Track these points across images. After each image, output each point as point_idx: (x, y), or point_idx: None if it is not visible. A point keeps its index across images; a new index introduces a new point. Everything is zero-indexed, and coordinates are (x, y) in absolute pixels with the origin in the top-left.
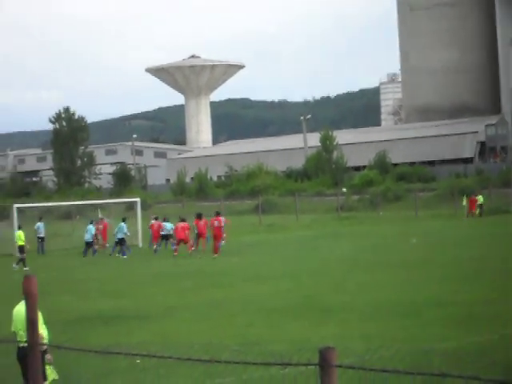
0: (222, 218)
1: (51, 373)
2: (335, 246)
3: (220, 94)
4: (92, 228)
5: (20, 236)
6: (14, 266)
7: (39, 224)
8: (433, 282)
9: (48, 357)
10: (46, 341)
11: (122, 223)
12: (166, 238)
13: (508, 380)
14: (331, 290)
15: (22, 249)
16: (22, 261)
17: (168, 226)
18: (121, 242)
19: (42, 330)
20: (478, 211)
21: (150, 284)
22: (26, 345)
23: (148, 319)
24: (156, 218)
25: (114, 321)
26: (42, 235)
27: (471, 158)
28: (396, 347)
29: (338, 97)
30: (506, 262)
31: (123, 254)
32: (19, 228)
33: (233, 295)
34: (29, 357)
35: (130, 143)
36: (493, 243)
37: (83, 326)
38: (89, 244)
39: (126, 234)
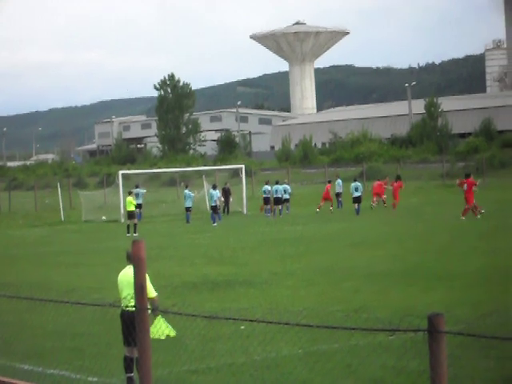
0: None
1: (168, 330)
2: (441, 213)
3: (324, 60)
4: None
5: (131, 202)
6: (127, 234)
7: (138, 190)
8: None
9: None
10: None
11: (213, 190)
12: (278, 202)
13: None
14: (438, 256)
15: (132, 214)
16: (135, 226)
17: (281, 189)
18: (213, 209)
19: (153, 294)
20: None
21: (255, 251)
22: (132, 309)
23: (253, 285)
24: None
25: (219, 287)
26: (139, 202)
27: None
28: (505, 313)
29: (443, 63)
30: None
31: (213, 222)
32: (129, 194)
33: (338, 261)
34: (137, 322)
35: (234, 110)
36: None
37: (189, 291)
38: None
39: (215, 201)
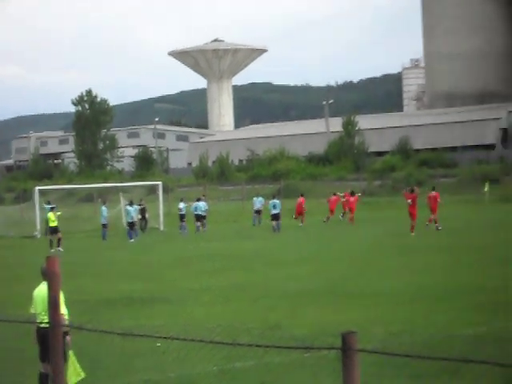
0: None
1: (76, 372)
2: (357, 231)
3: (242, 77)
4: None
5: (51, 217)
6: (51, 250)
7: (48, 206)
8: (458, 267)
9: (68, 339)
10: (66, 321)
11: (130, 207)
12: (199, 219)
13: None
14: (354, 274)
15: (54, 229)
16: (59, 241)
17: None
18: (130, 225)
19: (64, 311)
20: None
21: (172, 267)
22: (47, 326)
23: (169, 302)
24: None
25: (136, 303)
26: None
27: (493, 145)
28: (418, 332)
29: (361, 82)
30: None
31: (130, 238)
32: (51, 210)
33: (255, 279)
34: (50, 337)
35: (152, 126)
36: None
37: (105, 308)
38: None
39: (132, 217)
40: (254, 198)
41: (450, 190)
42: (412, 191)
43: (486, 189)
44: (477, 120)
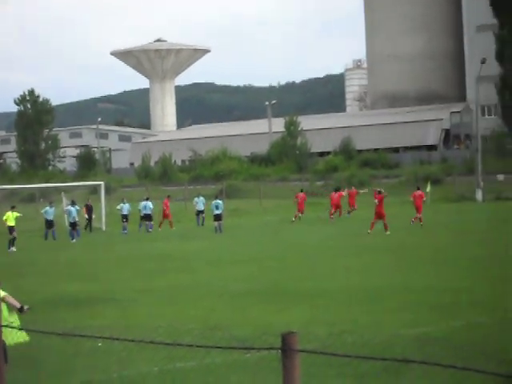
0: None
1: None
2: (299, 232)
3: (185, 78)
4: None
5: (9, 217)
6: (13, 249)
7: None
8: (402, 267)
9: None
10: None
11: (71, 207)
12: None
13: (470, 366)
14: (296, 275)
15: (10, 229)
16: (13, 240)
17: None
18: (72, 225)
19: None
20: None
21: (115, 267)
22: None
23: (112, 302)
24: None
25: (79, 304)
26: None
27: (435, 146)
28: (360, 332)
29: (304, 82)
30: (474, 250)
31: (72, 238)
32: (12, 208)
33: (197, 279)
34: None
35: (94, 126)
36: (458, 230)
37: (48, 308)
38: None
39: (74, 217)
40: (196, 199)
41: (393, 191)
42: (380, 192)
43: (428, 189)
44: (419, 121)
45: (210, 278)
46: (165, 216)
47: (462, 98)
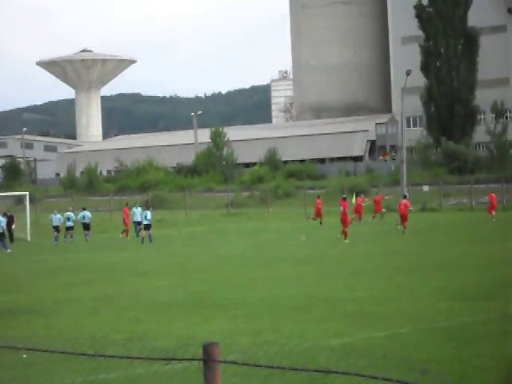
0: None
1: None
2: (225, 242)
3: (111, 88)
4: (3, 220)
5: None
6: None
7: None
8: (326, 278)
9: None
10: None
11: (1, 218)
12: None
13: (391, 376)
14: (221, 285)
15: None
16: None
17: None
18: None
19: None
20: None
21: (38, 278)
22: None
23: (35, 313)
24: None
25: (1, 315)
26: None
27: (361, 157)
28: (283, 343)
29: (230, 93)
30: (401, 260)
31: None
32: None
33: (122, 290)
34: None
35: (19, 136)
36: (386, 240)
37: None
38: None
39: (2, 227)
40: (134, 209)
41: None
42: (345, 199)
43: (353, 200)
44: (345, 132)
45: (135, 288)
46: (127, 224)
47: (387, 109)
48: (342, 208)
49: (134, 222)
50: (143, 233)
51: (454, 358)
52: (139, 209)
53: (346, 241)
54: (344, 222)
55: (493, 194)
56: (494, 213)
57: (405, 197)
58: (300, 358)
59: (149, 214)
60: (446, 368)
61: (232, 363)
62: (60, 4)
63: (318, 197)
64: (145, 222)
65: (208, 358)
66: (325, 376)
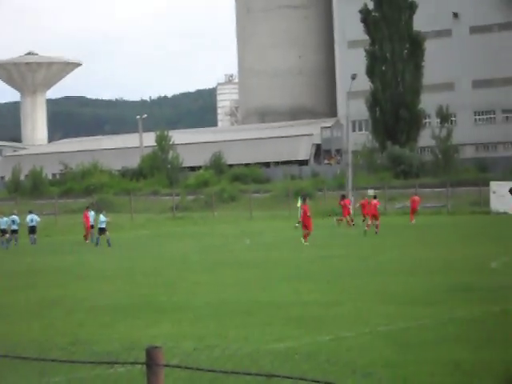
0: None
1: None
2: (170, 246)
3: (57, 91)
4: None
5: None
6: None
7: None
8: (270, 282)
9: None
10: None
11: None
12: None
13: (334, 380)
14: (166, 289)
15: None
16: None
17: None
18: None
19: None
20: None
21: None
22: None
23: None
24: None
25: None
26: None
27: (306, 161)
28: (226, 346)
29: (175, 97)
30: (345, 264)
31: None
32: None
33: (66, 294)
34: None
35: None
36: (334, 244)
37: None
38: None
39: None
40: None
41: (264, 206)
42: (304, 202)
43: (298, 204)
44: (290, 136)
45: (79, 292)
46: (88, 228)
47: (333, 113)
48: (302, 211)
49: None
50: (100, 237)
51: (398, 361)
52: (92, 212)
53: (306, 243)
54: (307, 224)
55: (415, 198)
56: (413, 216)
57: (375, 197)
58: (243, 362)
59: (102, 217)
60: (389, 372)
61: (175, 367)
62: (4, 6)
63: (344, 196)
64: (101, 226)
65: (151, 361)
66: (268, 380)
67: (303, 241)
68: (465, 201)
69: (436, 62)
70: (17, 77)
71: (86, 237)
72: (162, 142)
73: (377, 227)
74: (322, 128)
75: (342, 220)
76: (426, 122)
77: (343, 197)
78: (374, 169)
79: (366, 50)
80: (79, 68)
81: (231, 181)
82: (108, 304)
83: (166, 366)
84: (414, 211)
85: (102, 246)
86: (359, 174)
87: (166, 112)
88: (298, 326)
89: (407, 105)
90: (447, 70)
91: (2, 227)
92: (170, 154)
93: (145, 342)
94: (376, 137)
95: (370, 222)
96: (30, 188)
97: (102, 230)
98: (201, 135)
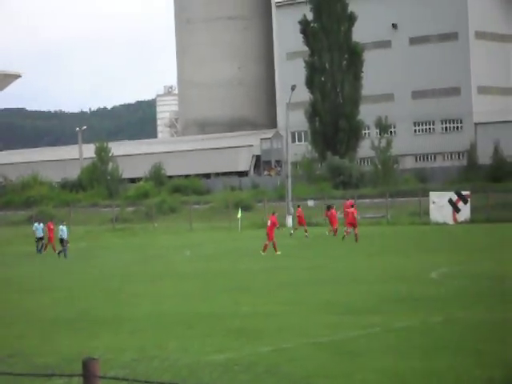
0: None
1: None
2: (110, 258)
3: None
4: None
5: None
6: None
7: None
8: (210, 293)
9: None
10: None
11: None
12: None
13: None
14: (105, 301)
15: None
16: None
17: None
18: None
19: None
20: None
21: None
22: None
23: None
24: None
25: None
26: None
27: (246, 172)
28: (165, 358)
29: (115, 108)
30: (286, 275)
31: None
32: None
33: (6, 306)
34: None
35: None
36: (272, 256)
37: None
38: None
39: None
40: (36, 225)
41: (204, 217)
42: (273, 213)
43: (238, 215)
44: (230, 147)
45: (19, 305)
46: (51, 239)
47: (272, 124)
48: (269, 222)
49: (37, 237)
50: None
51: (338, 372)
52: (41, 225)
53: (264, 253)
54: (269, 235)
55: (299, 209)
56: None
57: (352, 206)
58: (181, 373)
59: (63, 228)
60: (330, 382)
61: (111, 378)
62: None
63: (298, 206)
64: (62, 237)
65: (88, 373)
66: None
67: (272, 251)
68: (404, 211)
69: (375, 73)
70: None
71: (54, 248)
72: (102, 153)
73: (355, 236)
74: (262, 139)
75: (334, 230)
76: (365, 133)
77: (329, 207)
78: (314, 179)
79: (305, 61)
80: (19, 80)
81: (171, 192)
82: (48, 316)
83: (103, 377)
84: (301, 222)
85: (51, 256)
86: (299, 185)
87: (106, 123)
88: (238, 337)
89: (346, 116)
90: (386, 80)
91: None
92: (110, 166)
93: (85, 354)
94: (315, 147)
95: (349, 230)
96: None
97: (62, 241)
98: (141, 147)
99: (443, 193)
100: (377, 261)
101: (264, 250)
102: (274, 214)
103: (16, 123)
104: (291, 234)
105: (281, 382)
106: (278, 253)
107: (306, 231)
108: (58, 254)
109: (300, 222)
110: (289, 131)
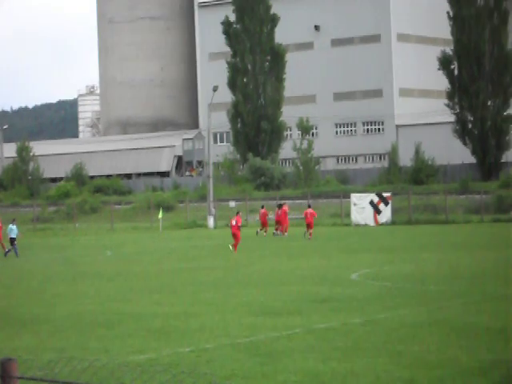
0: None
1: None
2: (30, 258)
3: None
4: None
5: None
6: None
7: None
8: (131, 294)
9: None
10: None
11: None
12: None
13: None
14: (26, 301)
15: None
16: None
17: None
18: None
19: None
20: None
21: None
22: None
23: None
24: None
25: None
26: None
27: (168, 172)
28: (85, 358)
29: (37, 107)
30: (208, 275)
31: None
32: None
33: None
34: None
35: None
36: (195, 256)
37: None
38: None
39: None
40: (11, 226)
41: (125, 217)
42: (237, 213)
43: (160, 216)
44: (151, 147)
45: None
46: None
47: (195, 124)
48: (234, 222)
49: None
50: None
51: (258, 373)
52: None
53: (235, 252)
54: (235, 235)
55: (263, 210)
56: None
57: (309, 206)
58: (100, 374)
59: (13, 227)
60: (249, 383)
61: (29, 379)
62: None
63: (262, 207)
64: (12, 236)
65: (5, 373)
66: None
67: (232, 250)
68: (326, 213)
69: (298, 75)
70: None
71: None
72: (23, 152)
73: (310, 234)
74: (184, 140)
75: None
76: (287, 134)
77: (280, 206)
78: (236, 180)
79: (227, 62)
80: None
81: (93, 192)
82: None
83: (20, 378)
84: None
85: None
86: (220, 186)
87: (28, 123)
88: (158, 338)
89: (268, 117)
90: (309, 82)
91: None
92: (31, 166)
93: (4, 354)
94: (237, 149)
95: (310, 231)
96: None
97: (12, 240)
98: (62, 146)
99: (364, 194)
100: (298, 262)
101: (235, 249)
102: (238, 213)
103: None
104: (257, 233)
105: (199, 382)
106: (234, 251)
107: (265, 231)
108: (5, 254)
109: (263, 222)
110: (211, 132)
